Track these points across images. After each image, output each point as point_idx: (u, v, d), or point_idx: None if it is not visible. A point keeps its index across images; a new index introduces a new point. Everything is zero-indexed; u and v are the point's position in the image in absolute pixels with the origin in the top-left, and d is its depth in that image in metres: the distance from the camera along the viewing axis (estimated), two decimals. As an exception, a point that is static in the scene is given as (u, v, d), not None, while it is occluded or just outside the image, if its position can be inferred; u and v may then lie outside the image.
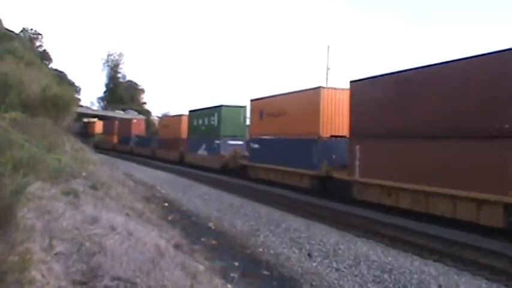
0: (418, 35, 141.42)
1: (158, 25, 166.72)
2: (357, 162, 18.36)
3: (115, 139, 66.59)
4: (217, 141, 34.52)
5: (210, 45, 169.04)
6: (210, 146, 35.70)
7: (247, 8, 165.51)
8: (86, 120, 79.05)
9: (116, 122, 68.24)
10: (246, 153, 30.74)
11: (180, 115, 44.62)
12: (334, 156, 20.73)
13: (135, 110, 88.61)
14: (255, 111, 29.17)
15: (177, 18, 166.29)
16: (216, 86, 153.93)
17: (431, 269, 10.86)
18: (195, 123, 39.63)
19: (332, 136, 21.49)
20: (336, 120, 21.52)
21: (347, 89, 19.96)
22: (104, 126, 74.06)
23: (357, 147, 18.39)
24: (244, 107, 34.15)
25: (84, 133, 69.83)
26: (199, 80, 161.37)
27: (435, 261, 11.48)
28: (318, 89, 22.10)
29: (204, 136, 37.18)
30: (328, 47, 49.52)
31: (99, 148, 60.53)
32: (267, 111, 26.96)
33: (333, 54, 64.74)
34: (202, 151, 37.31)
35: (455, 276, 10.34)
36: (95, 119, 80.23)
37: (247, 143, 31.13)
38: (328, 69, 48.35)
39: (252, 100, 30.29)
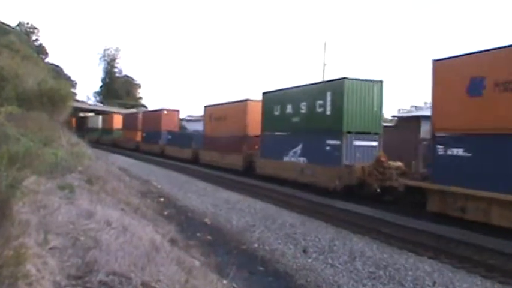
0: (417, 31, 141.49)
1: (155, 20, 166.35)
2: None
3: (138, 136, 54.85)
4: (332, 142, 20.99)
5: (206, 40, 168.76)
6: (316, 150, 21.77)
7: (244, 4, 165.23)
8: (82, 114, 78.72)
9: (140, 115, 56.39)
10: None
11: (245, 100, 30.53)
12: None
13: (132, 105, 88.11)
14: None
15: (173, 14, 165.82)
16: (212, 81, 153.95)
17: (426, 265, 10.88)
18: (276, 111, 25.67)
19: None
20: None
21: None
22: (125, 120, 62.16)
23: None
24: (380, 82, 21.42)
25: (81, 128, 68.97)
26: (194, 76, 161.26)
27: (430, 258, 11.48)
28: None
29: (297, 132, 23.61)
30: (325, 43, 49.36)
31: (118, 147, 57.04)
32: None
33: (330, 51, 64.57)
34: (294, 157, 23.62)
35: (450, 273, 10.37)
36: (113, 112, 74.97)
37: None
38: (324, 65, 48.22)
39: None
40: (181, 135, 45.69)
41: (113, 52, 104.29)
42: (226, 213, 17.52)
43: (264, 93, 27.54)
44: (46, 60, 75.39)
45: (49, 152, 12.55)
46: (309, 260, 11.66)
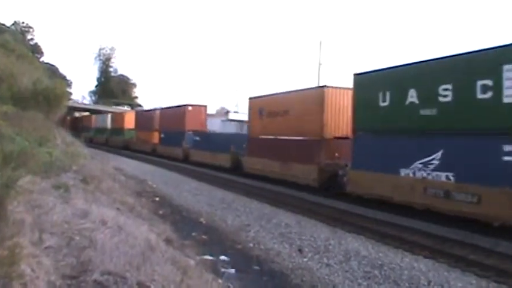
0: (415, 30, 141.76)
1: (150, 20, 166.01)
2: None
3: (155, 137, 46.87)
4: None
5: (201, 39, 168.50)
6: (477, 160, 13.43)
7: (240, 3, 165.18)
8: (77, 114, 78.39)
9: (157, 113, 47.79)
10: None
11: (320, 87, 22.32)
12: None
13: (128, 104, 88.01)
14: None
15: (169, 13, 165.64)
16: (207, 80, 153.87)
17: (422, 265, 10.91)
18: (383, 101, 17.11)
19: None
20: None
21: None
22: (138, 119, 54.04)
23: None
24: None
25: (80, 128, 68.24)
26: (190, 75, 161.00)
27: (426, 257, 11.52)
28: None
29: (432, 132, 15.17)
30: (321, 42, 49.17)
31: (131, 150, 50.38)
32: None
33: (325, 50, 64.57)
34: (424, 171, 15.16)
35: (446, 273, 10.40)
36: (125, 109, 74.07)
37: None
38: (320, 64, 48.29)
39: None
40: (215, 137, 36.53)
41: (108, 51, 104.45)
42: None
43: (357, 75, 18.70)
44: (41, 60, 75.32)
45: (44, 152, 12.54)
46: (305, 260, 11.66)
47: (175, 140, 40.42)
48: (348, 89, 19.69)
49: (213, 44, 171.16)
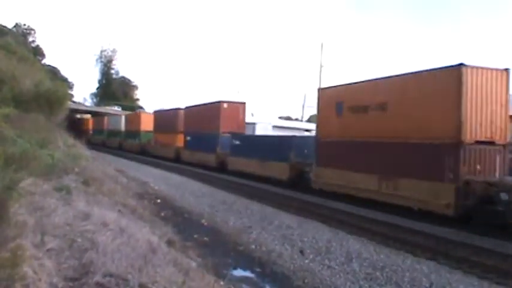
0: (417, 34, 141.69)
1: (152, 22, 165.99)
2: None
3: (179, 140, 40.06)
4: None
5: (203, 41, 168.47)
6: None
7: (242, 5, 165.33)
8: (78, 116, 78.13)
9: (181, 112, 40.93)
10: None
11: (455, 67, 14.74)
12: None
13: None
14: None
15: (170, 15, 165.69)
16: (209, 83, 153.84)
17: (424, 266, 10.90)
18: None
19: None
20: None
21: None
22: (157, 120, 47.77)
23: None
24: None
25: (81, 129, 67.33)
26: (192, 78, 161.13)
27: (427, 259, 11.51)
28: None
29: None
30: (322, 44, 49.03)
31: (148, 155, 44.78)
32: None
33: (327, 52, 64.46)
34: None
35: (448, 274, 10.39)
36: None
37: None
38: (321, 66, 48.25)
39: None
40: (265, 141, 29.07)
41: (110, 53, 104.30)
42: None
43: None
44: (43, 62, 75.24)
45: (46, 154, 12.55)
46: (306, 261, 11.66)
47: (205, 144, 33.72)
48: (499, 70, 15.05)
49: (215, 46, 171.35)
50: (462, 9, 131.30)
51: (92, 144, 43.72)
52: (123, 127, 57.22)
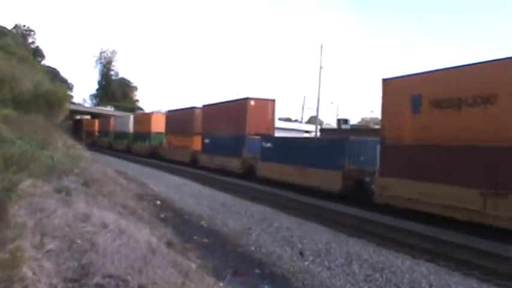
0: (417, 37, 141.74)
1: (151, 23, 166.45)
2: None
3: (195, 143, 36.67)
4: None
5: (203, 42, 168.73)
6: None
7: (242, 6, 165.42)
8: (78, 117, 78.18)
9: (198, 112, 37.36)
10: None
11: None
12: None
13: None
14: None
15: (170, 16, 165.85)
16: (209, 84, 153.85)
17: (423, 268, 10.89)
18: None
19: None
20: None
21: None
22: (170, 120, 44.12)
23: None
24: None
25: (82, 130, 67.03)
26: (191, 79, 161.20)
27: (427, 260, 11.49)
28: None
29: None
30: (322, 45, 49.02)
31: (160, 159, 41.38)
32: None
33: (327, 54, 64.67)
34: None
35: (447, 276, 10.39)
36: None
37: None
38: (321, 67, 48.27)
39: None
40: (305, 144, 25.65)
41: (109, 54, 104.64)
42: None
43: None
44: (42, 63, 75.45)
45: (45, 155, 12.53)
46: (306, 263, 11.65)
47: (228, 147, 30.19)
48: None
49: (214, 47, 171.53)
50: (462, 9, 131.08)
51: (98, 147, 42.41)
52: (131, 128, 53.72)
